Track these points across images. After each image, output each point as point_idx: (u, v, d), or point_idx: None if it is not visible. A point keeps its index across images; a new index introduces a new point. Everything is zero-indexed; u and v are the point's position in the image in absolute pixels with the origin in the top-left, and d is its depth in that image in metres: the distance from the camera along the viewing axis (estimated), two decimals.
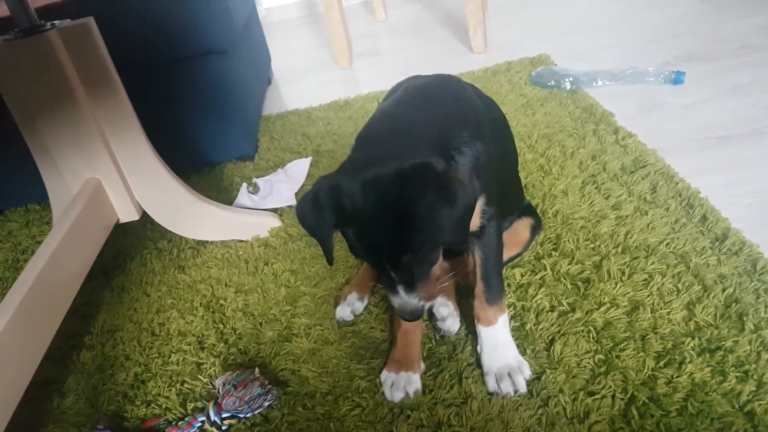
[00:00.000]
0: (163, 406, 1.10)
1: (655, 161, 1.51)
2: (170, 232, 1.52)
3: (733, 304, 1.06)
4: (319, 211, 0.86)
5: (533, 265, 1.26)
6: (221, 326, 1.27)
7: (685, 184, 1.40)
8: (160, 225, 1.51)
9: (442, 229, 0.83)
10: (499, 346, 1.03)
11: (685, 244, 1.22)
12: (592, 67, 2.08)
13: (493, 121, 1.12)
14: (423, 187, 0.81)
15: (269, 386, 1.03)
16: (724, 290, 1.09)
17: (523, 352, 1.05)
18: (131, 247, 1.62)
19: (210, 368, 1.16)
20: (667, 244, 1.23)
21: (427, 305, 0.90)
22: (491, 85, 2.14)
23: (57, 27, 1.26)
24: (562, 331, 1.08)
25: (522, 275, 1.23)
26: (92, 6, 1.68)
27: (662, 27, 2.45)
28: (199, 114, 1.94)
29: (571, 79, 2.00)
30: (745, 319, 1.02)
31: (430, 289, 0.90)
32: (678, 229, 1.27)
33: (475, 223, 1.01)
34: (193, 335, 1.26)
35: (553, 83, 2.02)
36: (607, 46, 2.37)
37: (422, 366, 1.06)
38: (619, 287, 1.14)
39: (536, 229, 1.29)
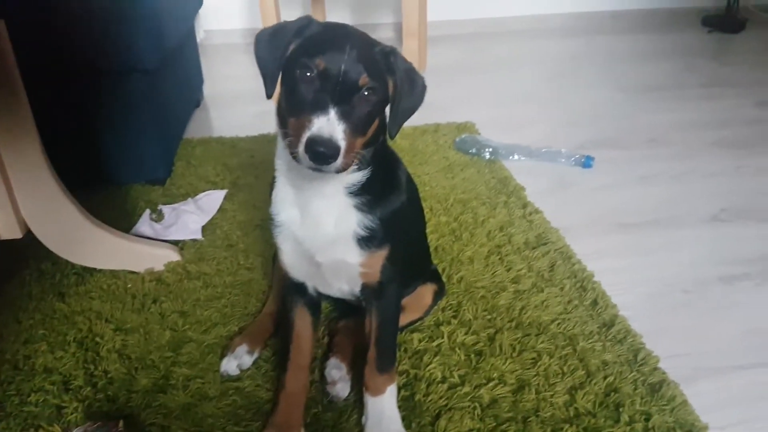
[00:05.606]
0: None
1: (557, 240, 1.57)
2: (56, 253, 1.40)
3: (612, 393, 1.09)
4: (281, 31, 0.89)
5: (432, 331, 1.25)
6: (92, 367, 1.16)
7: (581, 266, 1.46)
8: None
9: (398, 96, 0.88)
10: (384, 418, 1.01)
11: (574, 326, 1.26)
12: (512, 140, 2.16)
13: (409, 181, 1.12)
14: (397, 55, 0.89)
15: None
16: (605, 378, 1.12)
17: (407, 425, 1.03)
18: (11, 264, 1.48)
19: (71, 414, 1.06)
20: (558, 324, 1.27)
21: (338, 162, 0.80)
22: (418, 144, 2.18)
23: None
24: (449, 405, 1.07)
25: (419, 341, 1.22)
26: (12, 5, 1.58)
27: (584, 110, 2.61)
28: (113, 130, 1.84)
29: (491, 149, 2.07)
30: (621, 410, 1.05)
31: (352, 143, 0.82)
32: (570, 311, 1.31)
33: (374, 276, 1.00)
34: (60, 374, 1.15)
35: (474, 151, 2.09)
36: (531, 122, 2.48)
37: None
38: (509, 363, 1.16)
39: (439, 295, 1.30)
